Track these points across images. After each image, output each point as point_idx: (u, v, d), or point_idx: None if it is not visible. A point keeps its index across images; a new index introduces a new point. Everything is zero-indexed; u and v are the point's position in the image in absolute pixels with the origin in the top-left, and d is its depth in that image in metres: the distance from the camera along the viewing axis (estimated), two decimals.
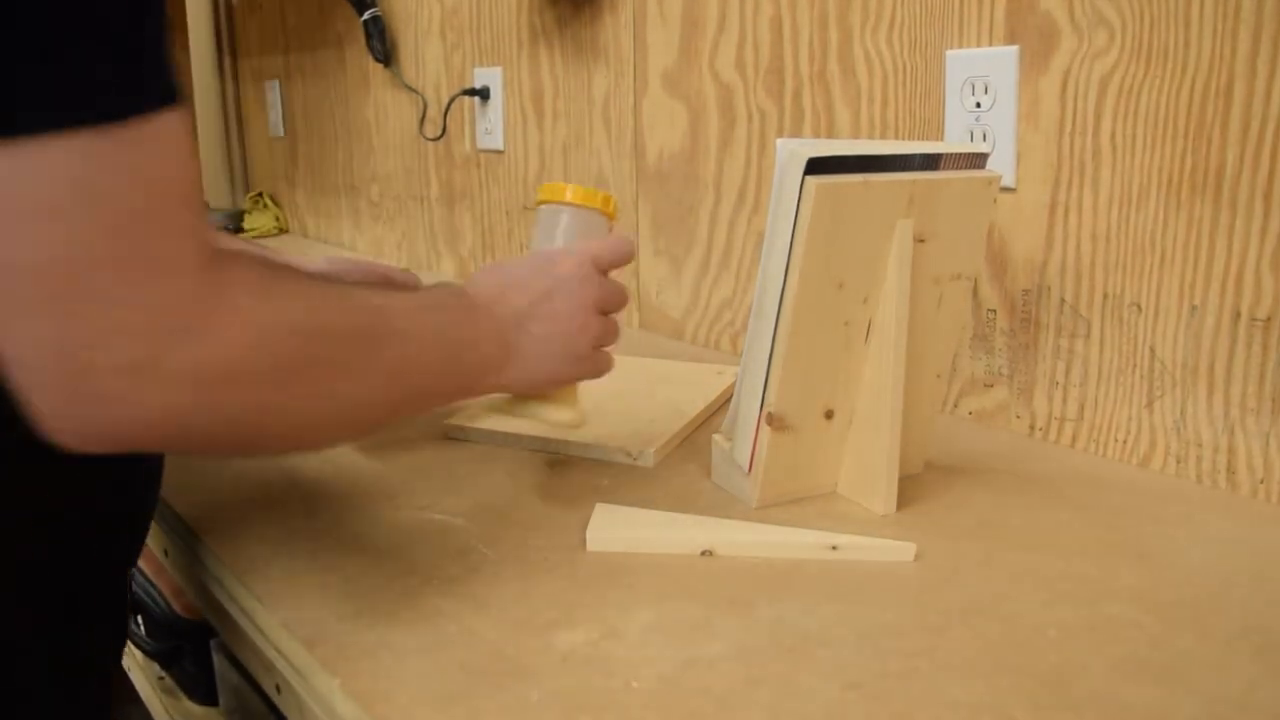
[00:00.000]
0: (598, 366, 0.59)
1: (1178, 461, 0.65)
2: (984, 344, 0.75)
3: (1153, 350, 0.66)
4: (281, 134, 1.84)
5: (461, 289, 0.55)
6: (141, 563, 0.78)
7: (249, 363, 0.38)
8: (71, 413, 0.35)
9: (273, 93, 1.83)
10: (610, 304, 0.59)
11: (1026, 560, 0.54)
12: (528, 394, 0.59)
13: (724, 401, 0.80)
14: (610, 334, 0.59)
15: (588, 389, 0.62)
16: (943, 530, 0.58)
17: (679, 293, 1.03)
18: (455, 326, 0.52)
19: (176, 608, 0.71)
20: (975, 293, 0.75)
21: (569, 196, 0.62)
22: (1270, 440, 0.61)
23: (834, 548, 0.55)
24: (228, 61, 1.96)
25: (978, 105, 0.72)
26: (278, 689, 0.50)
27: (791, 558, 0.54)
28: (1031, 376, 0.73)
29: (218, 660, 0.73)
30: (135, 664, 1.00)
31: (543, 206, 0.64)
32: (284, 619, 0.49)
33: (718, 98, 0.94)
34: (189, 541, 0.61)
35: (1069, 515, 0.60)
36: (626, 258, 0.60)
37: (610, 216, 0.64)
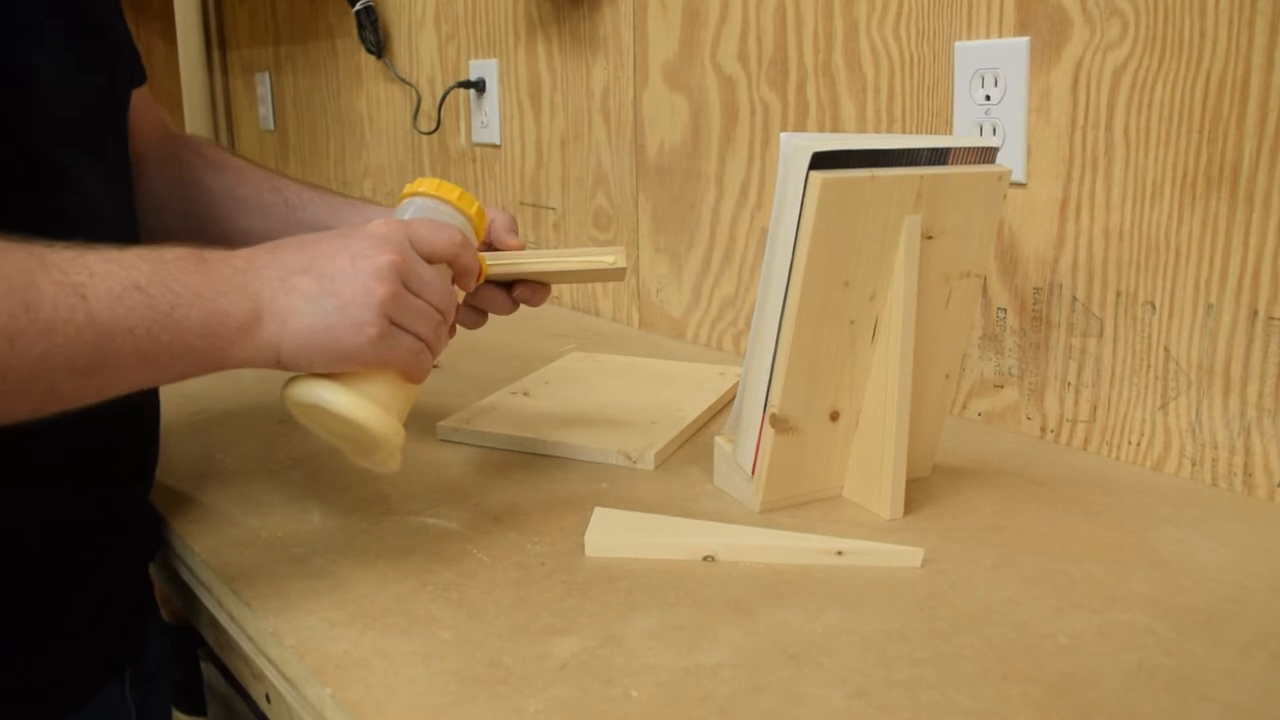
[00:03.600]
0: (396, 347, 0.49)
1: (1193, 464, 0.65)
2: (994, 343, 0.74)
3: (1167, 350, 0.65)
4: (272, 127, 1.82)
5: (212, 246, 0.48)
6: None
7: None
8: None
9: (263, 85, 1.82)
10: (418, 282, 0.50)
11: (1037, 566, 0.53)
12: (313, 369, 0.49)
13: (726, 403, 0.79)
14: (416, 315, 0.50)
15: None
16: (951, 535, 0.57)
17: (680, 291, 1.02)
18: (176, 276, 0.44)
19: (163, 614, 0.70)
20: (985, 291, 0.74)
21: (423, 188, 0.58)
22: None
23: (839, 553, 0.54)
24: (216, 54, 1.95)
25: (987, 98, 0.72)
26: (267, 698, 0.50)
27: (795, 563, 0.54)
28: (1042, 377, 0.72)
29: (205, 669, 0.72)
30: None
31: (402, 202, 0.59)
32: (274, 626, 0.49)
33: (720, 91, 0.93)
34: (175, 546, 0.61)
35: (1080, 519, 0.59)
36: (451, 246, 0.53)
37: (466, 214, 0.58)
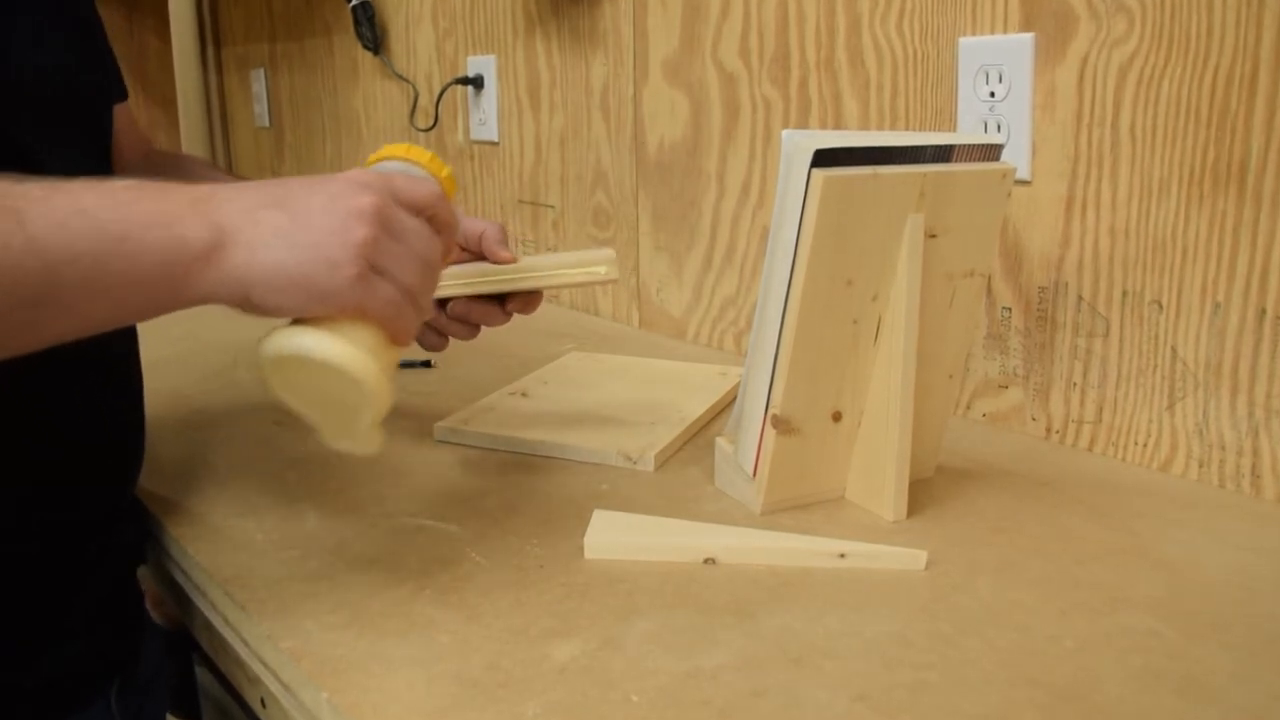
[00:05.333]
0: (375, 294, 0.45)
1: (1200, 465, 0.64)
2: (998, 343, 0.74)
3: (1174, 350, 0.64)
4: (267, 125, 1.82)
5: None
6: None
7: None
8: None
9: (258, 82, 1.81)
10: (400, 228, 0.46)
11: (1042, 568, 0.53)
12: (283, 311, 0.45)
13: (727, 403, 0.79)
14: (398, 262, 0.46)
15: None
16: (954, 537, 0.56)
17: (680, 290, 1.02)
18: (127, 204, 0.41)
19: (156, 617, 0.69)
20: (989, 290, 0.74)
21: (394, 153, 0.56)
22: None
23: (841, 555, 0.54)
24: (211, 50, 1.94)
25: (992, 95, 0.71)
26: (263, 703, 0.49)
27: (797, 565, 0.53)
28: (1048, 377, 0.71)
29: (200, 673, 0.72)
30: None
31: (371, 167, 0.57)
32: (269, 630, 0.48)
33: (721, 87, 0.93)
34: (169, 549, 0.60)
35: (1086, 521, 0.58)
36: (431, 197, 0.49)
37: (438, 178, 0.56)
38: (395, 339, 0.47)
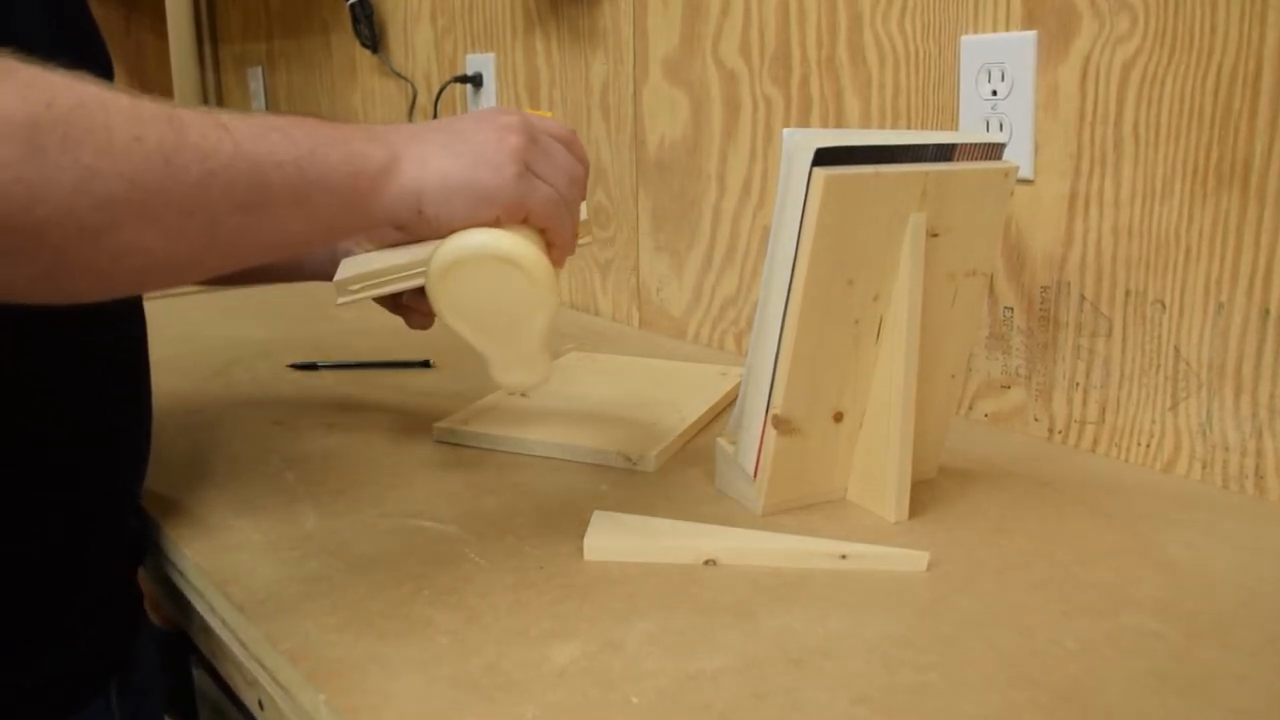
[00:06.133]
0: (535, 191, 0.49)
1: (1203, 466, 0.64)
2: (1000, 343, 0.74)
3: (1177, 350, 0.64)
4: None
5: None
6: None
7: None
8: None
9: (256, 81, 1.81)
10: (546, 140, 0.51)
11: (1044, 569, 0.53)
12: (454, 215, 0.48)
13: (728, 404, 0.79)
14: (550, 166, 0.50)
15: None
16: (956, 538, 0.56)
17: (681, 290, 1.01)
18: (311, 126, 0.45)
19: (153, 619, 0.69)
20: (991, 289, 0.74)
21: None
22: None
23: (843, 556, 0.53)
24: (208, 48, 1.94)
25: (994, 93, 0.71)
26: (260, 705, 0.49)
27: (798, 567, 0.53)
28: (1050, 377, 0.71)
29: (197, 675, 0.72)
30: None
31: None
32: (267, 631, 0.48)
33: (721, 86, 0.92)
34: (167, 550, 0.60)
35: (1089, 522, 0.58)
36: (564, 130, 0.54)
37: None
38: (555, 243, 0.51)
